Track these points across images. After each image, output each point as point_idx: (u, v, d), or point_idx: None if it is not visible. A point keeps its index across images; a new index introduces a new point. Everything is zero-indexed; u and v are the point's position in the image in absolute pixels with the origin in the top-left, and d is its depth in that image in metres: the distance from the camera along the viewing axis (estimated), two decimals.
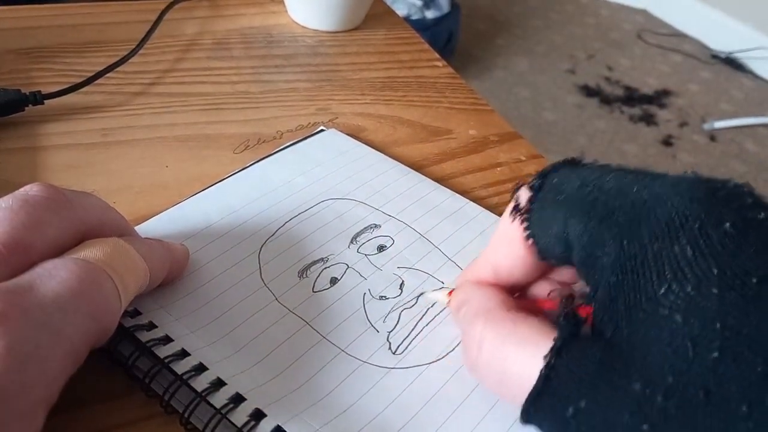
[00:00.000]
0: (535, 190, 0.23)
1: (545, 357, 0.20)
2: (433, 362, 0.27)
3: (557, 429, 0.20)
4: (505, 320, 0.23)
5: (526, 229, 0.23)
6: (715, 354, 0.17)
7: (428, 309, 0.29)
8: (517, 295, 0.26)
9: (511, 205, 0.24)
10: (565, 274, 0.26)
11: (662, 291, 0.18)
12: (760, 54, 2.08)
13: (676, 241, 0.18)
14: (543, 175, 0.23)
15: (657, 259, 0.19)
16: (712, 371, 0.17)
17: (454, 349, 0.27)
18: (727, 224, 0.18)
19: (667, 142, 1.76)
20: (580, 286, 0.26)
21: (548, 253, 0.23)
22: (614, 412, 0.18)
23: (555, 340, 0.20)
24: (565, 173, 0.23)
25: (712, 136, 1.80)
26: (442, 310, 0.29)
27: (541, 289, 0.26)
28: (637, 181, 0.21)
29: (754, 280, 0.17)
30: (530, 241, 0.23)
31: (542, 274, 0.26)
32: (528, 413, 0.21)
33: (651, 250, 0.19)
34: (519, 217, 0.24)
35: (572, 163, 0.24)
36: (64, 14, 0.49)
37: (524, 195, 0.24)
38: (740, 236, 0.18)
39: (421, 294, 0.29)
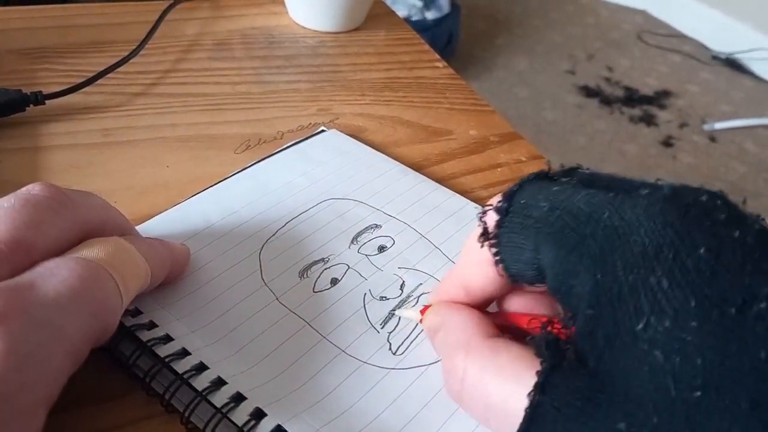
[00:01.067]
0: (502, 213, 0.22)
1: (529, 394, 0.19)
2: (433, 363, 0.27)
3: None
4: (483, 349, 0.22)
5: (495, 254, 0.23)
6: (698, 393, 0.16)
7: None
8: (492, 312, 0.25)
9: (479, 229, 0.23)
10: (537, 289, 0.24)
11: (640, 326, 0.17)
12: (760, 55, 2.08)
13: (652, 273, 0.18)
14: (510, 196, 0.22)
15: (633, 292, 0.18)
16: (696, 408, 0.16)
17: None
18: (702, 249, 0.18)
19: (667, 142, 1.76)
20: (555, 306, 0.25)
21: (520, 278, 0.22)
22: None
23: (538, 374, 0.19)
24: (531, 193, 0.22)
25: (712, 137, 1.81)
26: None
27: (516, 302, 0.25)
28: (608, 204, 0.20)
29: (733, 310, 0.17)
30: (500, 267, 0.23)
31: (514, 288, 0.25)
32: None
33: (626, 282, 0.18)
34: (487, 242, 0.23)
35: (540, 178, 0.23)
36: (66, 15, 0.49)
37: (491, 219, 0.23)
38: (715, 261, 0.17)
39: (392, 312, 0.29)
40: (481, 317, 0.24)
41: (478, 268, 0.24)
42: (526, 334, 0.22)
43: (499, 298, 0.25)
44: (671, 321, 0.17)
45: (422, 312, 0.27)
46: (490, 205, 0.23)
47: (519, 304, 0.25)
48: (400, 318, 0.28)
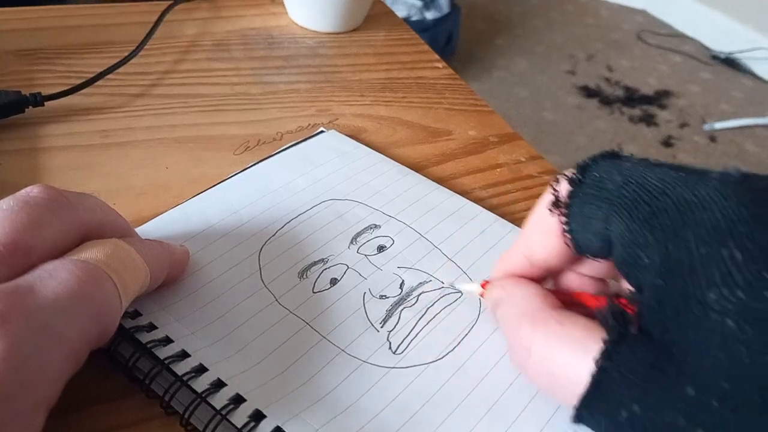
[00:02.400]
0: (576, 183, 0.23)
1: (596, 360, 0.20)
2: (433, 362, 0.27)
3: (612, 430, 0.20)
4: (550, 320, 0.22)
5: (565, 224, 0.23)
6: None
7: (428, 308, 0.29)
8: (552, 288, 0.26)
9: (549, 196, 0.24)
10: (595, 265, 0.25)
11: (712, 295, 0.18)
12: (760, 54, 2.08)
13: (724, 246, 0.18)
14: (583, 169, 0.23)
15: (705, 263, 0.18)
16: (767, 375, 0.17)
17: (454, 348, 0.27)
18: None
19: (667, 142, 1.76)
20: (612, 281, 0.26)
21: (586, 249, 0.23)
22: (668, 416, 0.18)
23: (604, 341, 0.20)
24: (605, 167, 0.22)
25: (712, 137, 1.80)
26: (443, 309, 0.29)
27: (573, 280, 0.26)
28: (681, 181, 0.20)
29: None
30: (568, 236, 0.23)
31: (576, 261, 0.25)
32: (580, 416, 0.21)
33: (698, 253, 0.18)
34: (558, 211, 0.23)
35: (610, 156, 0.23)
36: (65, 16, 0.49)
37: (563, 188, 0.23)
38: None
39: (449, 284, 0.29)
40: (545, 291, 0.25)
41: (544, 237, 0.24)
42: (586, 311, 0.23)
43: (556, 276, 0.26)
44: (744, 291, 0.18)
45: (483, 286, 0.27)
46: (564, 175, 0.23)
47: (574, 285, 0.26)
48: (400, 316, 0.28)
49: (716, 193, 0.19)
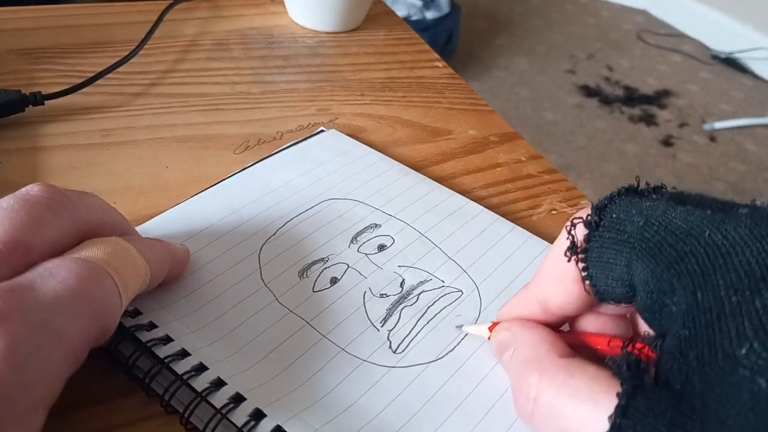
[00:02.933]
0: (593, 227, 0.22)
1: (610, 417, 0.18)
2: (433, 361, 0.27)
3: None
4: (558, 370, 0.21)
5: (584, 270, 0.22)
6: None
7: (429, 307, 0.29)
8: (563, 331, 0.25)
9: (565, 241, 0.22)
10: (616, 306, 0.24)
11: (743, 351, 0.16)
12: (759, 54, 2.08)
13: (758, 295, 0.17)
14: (600, 210, 0.22)
15: (735, 314, 0.17)
16: None
17: (454, 348, 0.27)
18: None
19: (667, 142, 1.76)
20: (627, 326, 0.24)
21: (608, 295, 0.22)
22: None
23: (619, 396, 0.19)
24: (623, 207, 0.21)
25: (712, 137, 1.80)
26: (444, 308, 0.29)
27: (588, 323, 0.24)
28: (708, 222, 0.19)
29: None
30: (587, 283, 0.22)
31: (594, 305, 0.24)
32: None
33: (728, 303, 0.17)
34: (576, 257, 0.22)
35: (628, 192, 0.22)
36: (65, 15, 0.49)
37: (580, 232, 0.22)
38: None
39: (459, 327, 0.28)
40: (554, 335, 0.23)
41: (560, 284, 0.23)
42: (598, 356, 0.21)
43: (573, 318, 0.25)
44: None
45: (490, 329, 0.26)
46: (579, 218, 0.22)
47: (592, 326, 0.24)
48: (400, 315, 0.28)
49: (748, 233, 0.18)
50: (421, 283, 0.30)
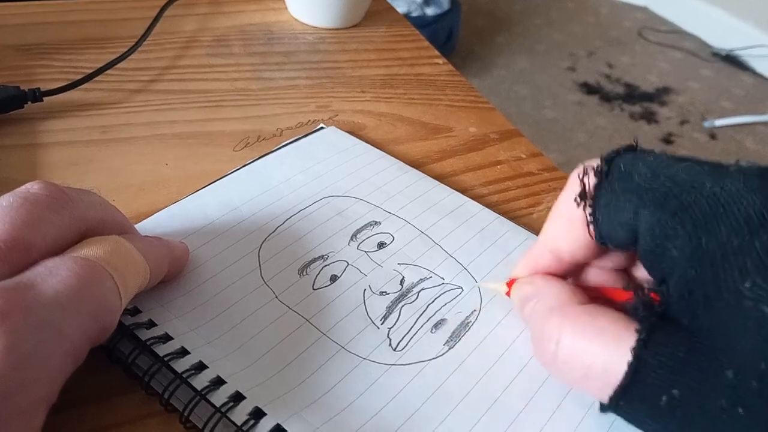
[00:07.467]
0: (603, 175, 0.23)
1: (633, 349, 0.20)
2: (433, 359, 0.27)
3: (651, 417, 0.21)
4: (581, 314, 0.23)
5: (591, 214, 0.24)
6: None
7: (429, 304, 0.29)
8: (575, 284, 0.26)
9: (574, 188, 0.24)
10: (616, 257, 0.26)
11: (746, 284, 0.19)
12: (760, 52, 2.08)
13: (757, 237, 0.19)
14: (609, 161, 0.23)
15: (737, 254, 0.19)
16: None
17: (454, 345, 0.27)
18: None
19: (667, 140, 1.76)
20: (631, 273, 0.26)
21: (609, 239, 0.24)
22: (709, 398, 0.19)
23: (639, 331, 0.21)
24: (631, 160, 0.23)
25: (713, 134, 1.80)
26: (444, 305, 0.29)
27: (595, 275, 0.26)
28: (708, 176, 0.21)
29: None
30: (592, 227, 0.24)
31: (598, 255, 0.26)
32: (617, 405, 0.21)
33: (730, 245, 0.19)
34: (585, 202, 0.24)
35: (631, 150, 0.24)
36: (64, 11, 0.49)
37: (590, 180, 0.24)
38: None
39: (478, 284, 0.29)
40: (573, 287, 0.25)
41: (569, 229, 0.25)
42: (614, 305, 0.23)
43: (578, 273, 0.26)
44: None
45: (508, 284, 0.27)
46: (590, 166, 0.24)
47: (597, 279, 0.26)
48: (400, 313, 0.28)
49: (743, 186, 0.20)
50: (421, 280, 0.30)
